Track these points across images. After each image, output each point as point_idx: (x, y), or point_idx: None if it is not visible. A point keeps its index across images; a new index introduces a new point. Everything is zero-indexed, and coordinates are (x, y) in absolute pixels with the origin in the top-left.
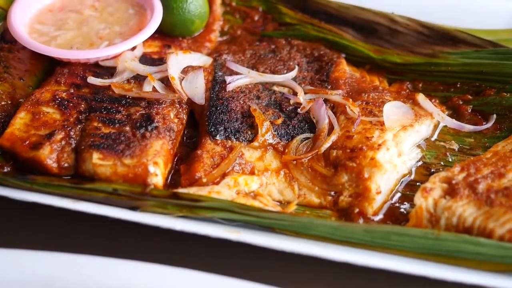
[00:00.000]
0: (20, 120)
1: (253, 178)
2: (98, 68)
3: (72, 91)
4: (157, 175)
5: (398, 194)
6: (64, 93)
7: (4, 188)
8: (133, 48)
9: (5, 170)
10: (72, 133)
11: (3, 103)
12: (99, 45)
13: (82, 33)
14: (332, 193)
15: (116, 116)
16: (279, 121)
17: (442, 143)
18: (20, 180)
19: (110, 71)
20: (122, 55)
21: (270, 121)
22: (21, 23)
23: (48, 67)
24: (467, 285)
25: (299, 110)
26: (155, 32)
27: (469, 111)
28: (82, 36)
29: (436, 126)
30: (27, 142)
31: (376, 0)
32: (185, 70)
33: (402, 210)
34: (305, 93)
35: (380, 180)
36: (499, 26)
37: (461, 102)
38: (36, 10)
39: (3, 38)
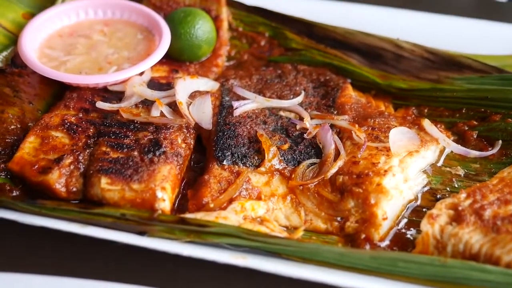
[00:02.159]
0: (30, 144)
1: (260, 203)
2: (106, 93)
3: (81, 115)
4: (165, 200)
5: (405, 220)
6: (73, 118)
7: (13, 212)
8: (141, 73)
9: (14, 194)
10: (80, 157)
11: (12, 127)
12: (107, 70)
13: (91, 58)
14: (339, 218)
15: (125, 140)
16: (286, 146)
17: (448, 169)
18: (29, 204)
19: (118, 96)
20: (131, 80)
21: (276, 146)
22: (31, 48)
23: (57, 91)
24: None
25: (305, 135)
26: (163, 57)
27: (475, 136)
28: (91, 61)
29: (442, 152)
30: (36, 166)
31: (381, 26)
32: (193, 95)
33: (408, 236)
34: (311, 119)
35: (386, 206)
36: (504, 51)
37: (466, 128)
38: (46, 35)
39: (13, 63)
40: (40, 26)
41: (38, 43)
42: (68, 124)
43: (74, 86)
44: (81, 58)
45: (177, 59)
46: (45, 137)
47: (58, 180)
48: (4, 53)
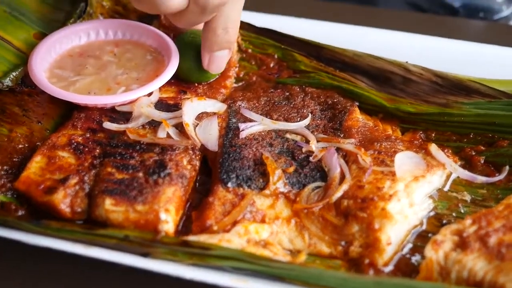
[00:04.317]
0: (36, 164)
1: (264, 226)
2: (114, 113)
3: (88, 135)
4: (168, 222)
5: (409, 245)
6: (80, 138)
7: (18, 232)
8: (150, 94)
9: (20, 213)
10: (86, 178)
11: (20, 146)
12: (116, 91)
13: (100, 78)
14: (343, 243)
15: (130, 161)
16: (291, 169)
17: (454, 194)
18: (33, 224)
19: (126, 116)
20: (138, 100)
21: (282, 169)
22: (41, 68)
23: (66, 111)
24: None
25: (311, 158)
26: (171, 78)
27: (482, 162)
28: (100, 81)
29: (448, 177)
30: (42, 186)
31: (390, 49)
32: (200, 116)
33: (413, 261)
34: (318, 142)
35: (390, 231)
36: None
37: (473, 153)
38: (57, 55)
39: (23, 82)
40: (50, 46)
41: (48, 63)
42: (75, 144)
43: (82, 106)
44: (90, 79)
45: (186, 80)
46: (52, 157)
47: (63, 200)
48: (15, 73)
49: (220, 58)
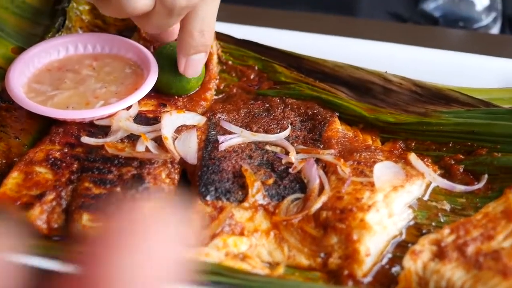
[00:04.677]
0: (13, 180)
1: (243, 239)
2: (92, 127)
3: (66, 150)
4: None
5: (389, 255)
6: (58, 153)
7: None
8: (129, 107)
9: None
10: (63, 193)
11: None
12: (94, 105)
13: (79, 92)
14: (322, 254)
15: (108, 176)
16: (270, 181)
17: (434, 203)
18: None
19: (104, 130)
20: (117, 114)
21: (261, 181)
22: (19, 83)
23: (44, 126)
24: None
25: (290, 170)
26: (151, 91)
27: (461, 170)
28: (78, 96)
29: (428, 186)
30: (18, 202)
31: (370, 59)
32: (179, 129)
33: (392, 272)
34: (297, 153)
35: (369, 242)
36: (492, 84)
37: (453, 162)
38: (35, 70)
39: (1, 98)
40: (28, 61)
41: (26, 78)
42: (52, 159)
43: (60, 121)
44: (69, 93)
45: (166, 93)
46: (29, 172)
47: (39, 216)
48: None
49: (197, 62)
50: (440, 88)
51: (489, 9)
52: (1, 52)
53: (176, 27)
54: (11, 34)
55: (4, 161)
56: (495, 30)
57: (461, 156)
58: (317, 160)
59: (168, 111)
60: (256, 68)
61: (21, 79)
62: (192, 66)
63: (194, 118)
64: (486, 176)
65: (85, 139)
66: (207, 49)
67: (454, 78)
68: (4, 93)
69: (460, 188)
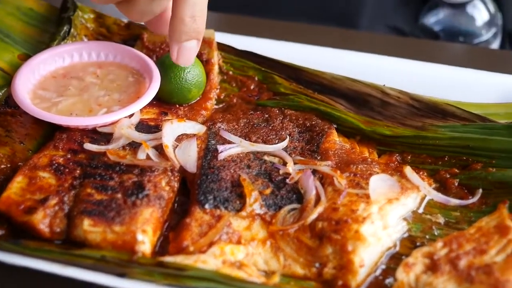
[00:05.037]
0: (17, 184)
1: (240, 247)
2: (95, 134)
3: (69, 156)
4: (145, 243)
5: (383, 267)
6: (61, 159)
7: None
8: (131, 115)
9: (0, 233)
10: (66, 198)
11: (2, 166)
12: (97, 112)
13: (83, 99)
14: (317, 264)
15: (109, 183)
16: (268, 191)
17: (428, 216)
18: (12, 244)
19: (107, 137)
20: (119, 122)
21: (259, 191)
22: (24, 89)
23: (48, 132)
24: None
25: (287, 180)
26: (153, 99)
27: (456, 184)
28: (82, 103)
29: (423, 199)
30: (22, 206)
31: (368, 72)
32: (180, 138)
33: (386, 283)
34: (295, 164)
35: (363, 253)
36: (491, 99)
37: (448, 176)
38: (40, 77)
39: (7, 103)
40: (34, 68)
41: (32, 84)
42: (56, 165)
43: (64, 127)
44: (73, 100)
45: (167, 101)
46: (33, 177)
47: (42, 220)
48: None
49: (189, 50)
50: (437, 102)
51: (489, 24)
52: (7, 58)
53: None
54: (17, 41)
55: (9, 165)
56: (495, 45)
57: (456, 170)
58: (314, 171)
59: (169, 119)
60: (256, 78)
61: (27, 86)
62: (185, 54)
63: (194, 127)
64: (480, 190)
65: (88, 146)
66: (199, 36)
67: (452, 93)
68: (10, 99)
69: (454, 202)
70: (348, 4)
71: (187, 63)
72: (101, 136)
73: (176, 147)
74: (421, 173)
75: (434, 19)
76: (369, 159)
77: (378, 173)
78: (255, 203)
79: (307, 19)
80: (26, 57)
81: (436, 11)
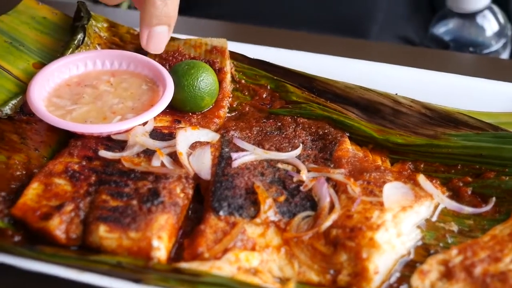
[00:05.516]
0: (33, 190)
1: (254, 254)
2: (110, 141)
3: (84, 163)
4: (161, 249)
5: (397, 274)
6: (76, 165)
7: (13, 257)
8: (145, 123)
9: (16, 239)
10: (81, 205)
11: (18, 173)
12: (111, 120)
13: (97, 107)
14: (331, 271)
15: (124, 189)
16: (282, 198)
17: (442, 224)
18: (28, 249)
19: (121, 145)
20: (134, 129)
21: (273, 198)
22: (39, 97)
23: (63, 139)
24: None
25: (301, 188)
26: (166, 107)
27: (469, 193)
28: (96, 110)
29: (436, 207)
30: (38, 212)
31: (380, 81)
32: (193, 146)
33: None
34: (308, 171)
35: (378, 260)
36: (501, 109)
37: (461, 184)
38: (55, 84)
39: (22, 110)
40: (49, 76)
41: (46, 92)
42: (71, 171)
43: (79, 134)
44: (87, 108)
45: (180, 109)
46: (48, 184)
47: (58, 226)
48: (14, 101)
49: (160, 35)
50: (449, 111)
51: (499, 35)
52: (22, 66)
53: None
54: (32, 49)
55: (24, 172)
56: (505, 55)
57: (469, 179)
58: (328, 179)
59: (182, 127)
60: (269, 87)
61: (41, 93)
62: (155, 39)
63: (208, 135)
64: (493, 199)
65: (103, 153)
66: (171, 22)
67: (463, 102)
68: (25, 106)
69: (468, 210)
70: (359, 13)
71: (157, 50)
72: (116, 143)
73: (190, 155)
74: (434, 181)
75: (444, 29)
76: (382, 167)
77: (391, 181)
78: (269, 210)
79: (318, 28)
80: (40, 65)
81: (446, 21)
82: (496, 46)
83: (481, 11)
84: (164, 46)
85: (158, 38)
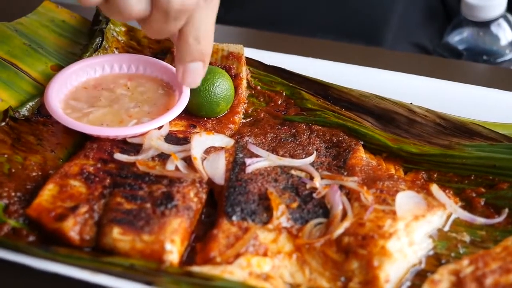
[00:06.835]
0: (48, 191)
1: (266, 260)
2: (125, 145)
3: (99, 166)
4: (173, 252)
5: (408, 283)
6: (92, 168)
7: (27, 257)
8: (160, 127)
9: (30, 239)
10: (96, 207)
11: (34, 174)
12: (127, 123)
13: (113, 110)
14: (342, 278)
15: (139, 192)
16: (295, 205)
17: (454, 234)
18: (43, 250)
19: (136, 148)
20: (149, 133)
21: (285, 205)
22: (56, 99)
23: (79, 141)
24: None
25: (314, 195)
26: (181, 112)
27: (482, 203)
28: (112, 114)
29: (449, 217)
30: (53, 213)
31: (395, 90)
32: (208, 151)
33: None
34: (322, 179)
35: (389, 269)
36: None
37: (474, 195)
38: (72, 87)
39: (39, 112)
40: (66, 78)
41: (64, 94)
42: (86, 173)
43: (95, 137)
44: (104, 111)
45: (196, 114)
46: (64, 185)
47: (73, 227)
48: (31, 103)
49: (194, 71)
50: (464, 122)
51: None
52: (40, 69)
53: None
54: (50, 52)
55: (40, 173)
56: None
57: (483, 190)
58: (341, 187)
59: (197, 132)
60: (284, 94)
61: (59, 96)
62: (190, 75)
63: (222, 140)
64: (506, 210)
65: (118, 156)
66: (205, 58)
67: (478, 112)
68: (43, 108)
69: (480, 220)
70: (373, 21)
71: (193, 85)
72: (131, 146)
73: (204, 159)
74: (447, 191)
75: (458, 37)
76: (395, 176)
77: (404, 190)
78: (282, 216)
79: (332, 36)
80: (58, 67)
81: (460, 29)
82: (510, 55)
83: (495, 19)
84: (200, 81)
85: (193, 73)
